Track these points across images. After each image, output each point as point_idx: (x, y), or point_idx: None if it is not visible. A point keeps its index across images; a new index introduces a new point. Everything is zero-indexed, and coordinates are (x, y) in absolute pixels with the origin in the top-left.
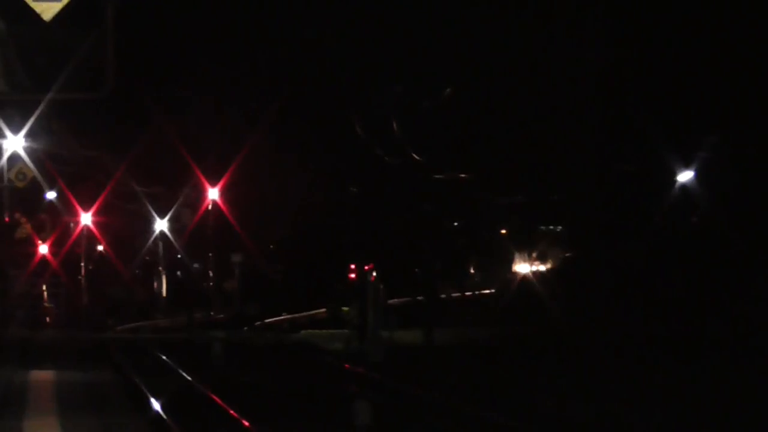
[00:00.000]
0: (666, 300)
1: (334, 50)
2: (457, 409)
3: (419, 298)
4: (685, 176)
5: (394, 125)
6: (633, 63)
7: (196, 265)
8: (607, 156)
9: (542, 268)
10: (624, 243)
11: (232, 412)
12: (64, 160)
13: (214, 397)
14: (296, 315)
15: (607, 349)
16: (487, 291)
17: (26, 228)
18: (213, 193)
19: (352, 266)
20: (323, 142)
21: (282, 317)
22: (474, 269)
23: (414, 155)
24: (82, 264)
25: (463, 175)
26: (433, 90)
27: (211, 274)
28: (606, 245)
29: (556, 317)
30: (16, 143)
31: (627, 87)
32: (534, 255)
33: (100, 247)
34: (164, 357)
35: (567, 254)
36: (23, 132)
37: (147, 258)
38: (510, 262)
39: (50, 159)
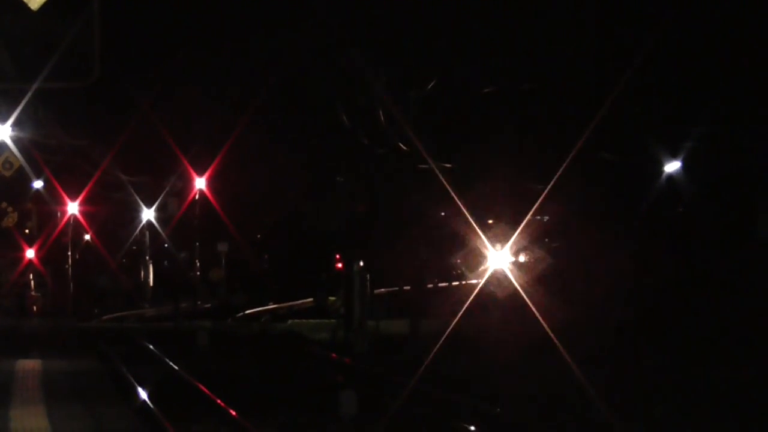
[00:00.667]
0: (652, 288)
1: (320, 36)
2: (434, 395)
3: (406, 288)
4: (672, 167)
5: (381, 115)
6: (620, 50)
7: (182, 255)
8: (593, 145)
9: (524, 259)
10: (611, 233)
11: (219, 401)
12: (50, 149)
13: (201, 387)
14: (282, 305)
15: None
16: (475, 281)
17: (13, 217)
18: (200, 183)
19: (338, 256)
20: (311, 131)
21: (268, 307)
22: (460, 259)
23: (401, 145)
24: (69, 253)
25: (448, 165)
26: (419, 79)
27: (197, 263)
28: (592, 235)
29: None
30: (2, 132)
31: (614, 76)
32: (516, 246)
33: (87, 237)
34: (150, 346)
35: (553, 245)
36: (10, 121)
37: (134, 247)
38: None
39: (37, 148)
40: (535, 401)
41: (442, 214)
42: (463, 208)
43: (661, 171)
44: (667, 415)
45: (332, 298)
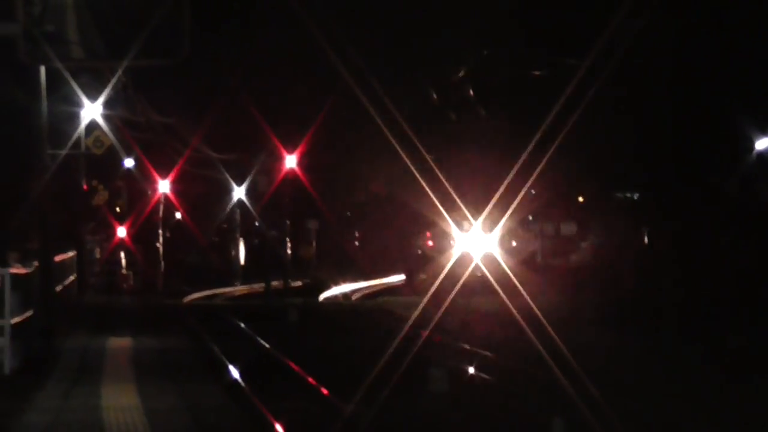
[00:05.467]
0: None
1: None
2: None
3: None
4: (763, 143)
5: (471, 89)
6: (705, 29)
7: (272, 232)
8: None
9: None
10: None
11: (309, 379)
12: (141, 127)
13: (291, 364)
14: (373, 282)
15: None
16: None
17: (104, 195)
18: (290, 160)
19: (429, 234)
20: (398, 108)
21: (359, 284)
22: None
23: (487, 116)
24: (160, 231)
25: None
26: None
27: (287, 241)
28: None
29: None
30: (93, 111)
31: (701, 54)
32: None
33: (178, 215)
34: (241, 324)
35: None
36: (101, 99)
37: (224, 225)
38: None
39: (127, 126)
40: None
41: (533, 191)
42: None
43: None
44: None
45: (423, 276)
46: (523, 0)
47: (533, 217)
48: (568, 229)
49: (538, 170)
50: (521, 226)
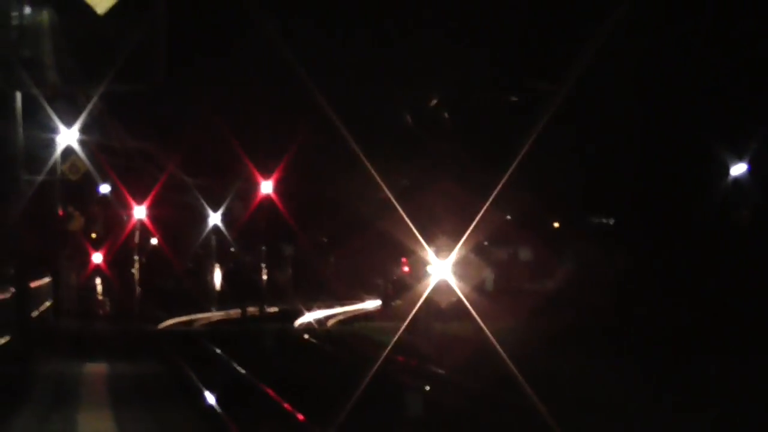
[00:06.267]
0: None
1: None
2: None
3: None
4: (738, 169)
5: (446, 115)
6: (681, 50)
7: (247, 258)
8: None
9: None
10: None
11: (285, 405)
12: (116, 152)
13: (267, 389)
14: (348, 308)
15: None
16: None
17: (79, 221)
18: (266, 186)
19: (404, 260)
20: (376, 132)
21: (335, 310)
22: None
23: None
24: (135, 257)
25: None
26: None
27: (263, 266)
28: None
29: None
30: (69, 136)
31: (674, 77)
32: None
33: (154, 240)
34: (217, 349)
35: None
36: (77, 125)
37: (200, 251)
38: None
39: (103, 152)
40: None
41: (508, 217)
42: None
43: (726, 173)
44: None
45: (398, 302)
46: (497, 25)
47: (493, 242)
48: (525, 254)
49: (493, 195)
50: (475, 252)
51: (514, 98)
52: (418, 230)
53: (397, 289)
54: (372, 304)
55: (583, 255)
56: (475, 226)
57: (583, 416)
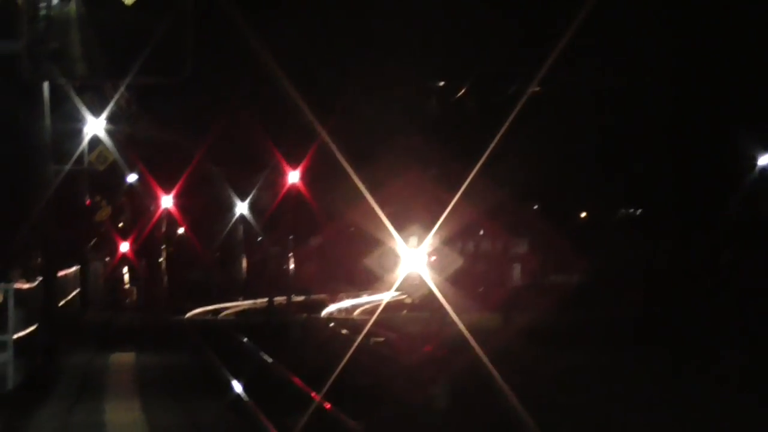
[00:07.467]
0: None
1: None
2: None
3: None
4: (765, 160)
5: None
6: (708, 45)
7: (275, 248)
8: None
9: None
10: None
11: (313, 394)
12: (143, 142)
13: (295, 379)
14: (376, 297)
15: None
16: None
17: (106, 211)
18: (293, 176)
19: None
20: (398, 121)
21: (361, 300)
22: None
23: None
24: (162, 247)
25: None
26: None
27: (290, 256)
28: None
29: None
30: (96, 126)
31: (703, 68)
32: None
33: (181, 230)
34: (244, 339)
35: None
36: (104, 115)
37: (227, 241)
38: None
39: (130, 142)
40: None
41: (535, 207)
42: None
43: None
44: None
45: (426, 292)
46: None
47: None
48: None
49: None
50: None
51: (537, 88)
52: (433, 221)
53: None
54: (399, 294)
55: (610, 246)
56: (499, 220)
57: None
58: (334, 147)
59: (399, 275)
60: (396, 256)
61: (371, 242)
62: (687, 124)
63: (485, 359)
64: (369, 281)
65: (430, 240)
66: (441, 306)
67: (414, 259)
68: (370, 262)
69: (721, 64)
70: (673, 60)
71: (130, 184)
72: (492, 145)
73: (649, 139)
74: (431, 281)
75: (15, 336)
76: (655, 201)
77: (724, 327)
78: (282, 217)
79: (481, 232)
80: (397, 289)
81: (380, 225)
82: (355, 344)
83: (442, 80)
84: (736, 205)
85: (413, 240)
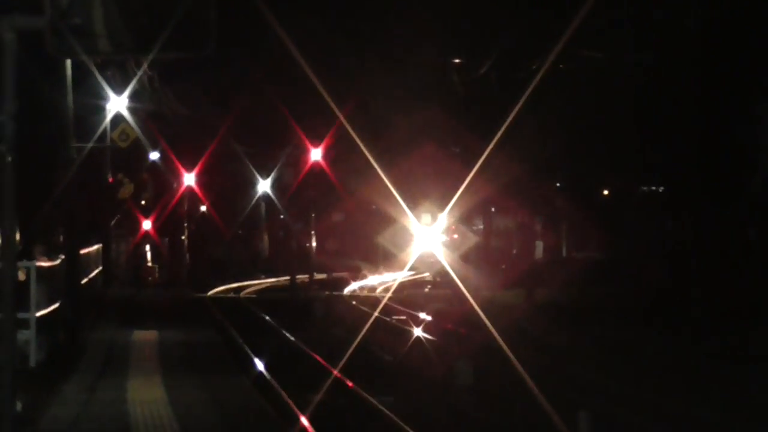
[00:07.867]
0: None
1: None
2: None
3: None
4: None
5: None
6: (734, 22)
7: (298, 225)
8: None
9: None
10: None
11: (335, 372)
12: (166, 120)
13: (317, 357)
14: (399, 276)
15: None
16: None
17: (129, 188)
18: (315, 153)
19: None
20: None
21: (384, 277)
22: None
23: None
24: (185, 224)
25: None
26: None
27: (313, 233)
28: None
29: None
30: (119, 104)
31: (729, 45)
32: None
33: (203, 208)
34: (266, 317)
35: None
36: (126, 92)
37: (249, 218)
38: None
39: (153, 119)
40: None
41: (557, 185)
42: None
43: None
44: None
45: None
46: None
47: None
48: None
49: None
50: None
51: (561, 65)
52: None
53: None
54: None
55: (632, 223)
56: (524, 197)
57: None
58: (350, 130)
59: (418, 254)
60: (415, 234)
61: (391, 220)
62: (711, 101)
63: (500, 337)
64: (390, 259)
65: (450, 219)
66: (462, 283)
67: (435, 238)
68: (392, 240)
69: (747, 42)
70: (699, 36)
71: (153, 162)
72: (510, 118)
73: (673, 115)
74: (451, 260)
75: (38, 313)
76: (678, 178)
77: (755, 304)
78: (304, 194)
79: (505, 210)
80: (413, 268)
81: (395, 203)
82: (375, 322)
83: (464, 57)
84: (759, 183)
85: (428, 218)
